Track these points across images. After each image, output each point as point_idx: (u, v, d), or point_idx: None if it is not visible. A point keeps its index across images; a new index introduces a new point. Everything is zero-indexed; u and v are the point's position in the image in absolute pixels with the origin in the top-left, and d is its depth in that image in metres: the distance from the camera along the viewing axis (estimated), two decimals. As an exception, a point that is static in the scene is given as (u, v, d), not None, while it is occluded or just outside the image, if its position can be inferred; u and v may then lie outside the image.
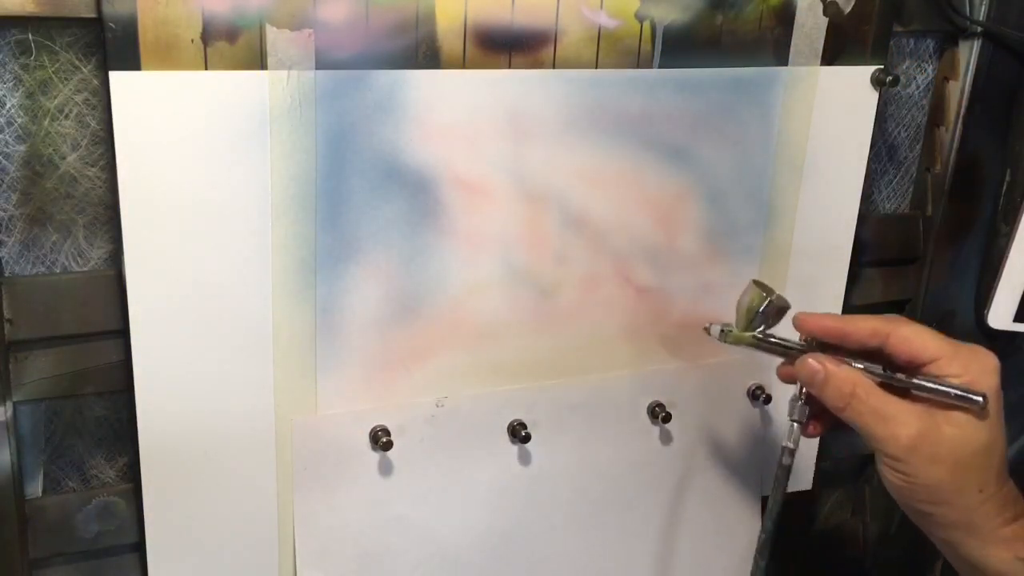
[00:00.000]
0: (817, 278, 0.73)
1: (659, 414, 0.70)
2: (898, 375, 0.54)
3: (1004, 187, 0.78)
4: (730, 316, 0.68)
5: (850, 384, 0.54)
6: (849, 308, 0.77)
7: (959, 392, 0.52)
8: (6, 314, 0.54)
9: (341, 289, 0.59)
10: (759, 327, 0.59)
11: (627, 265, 0.67)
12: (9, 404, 0.55)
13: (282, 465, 0.61)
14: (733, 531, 0.77)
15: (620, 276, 0.67)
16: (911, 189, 0.79)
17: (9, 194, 0.54)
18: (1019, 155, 0.77)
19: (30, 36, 0.51)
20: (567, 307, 0.66)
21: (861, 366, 0.55)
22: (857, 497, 0.88)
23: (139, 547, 0.60)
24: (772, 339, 0.59)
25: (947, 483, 0.52)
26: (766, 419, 0.75)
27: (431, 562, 0.67)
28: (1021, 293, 0.78)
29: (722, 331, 0.60)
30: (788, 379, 0.59)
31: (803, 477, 0.80)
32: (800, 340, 0.58)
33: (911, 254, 0.80)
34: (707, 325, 0.61)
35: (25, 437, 0.58)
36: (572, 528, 0.71)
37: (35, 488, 0.59)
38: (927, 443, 0.52)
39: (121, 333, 0.56)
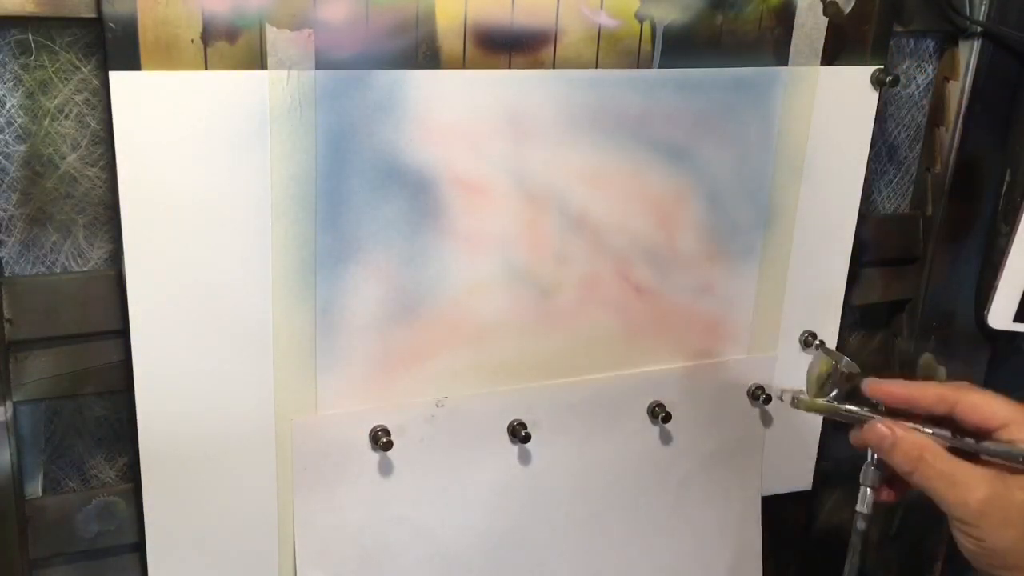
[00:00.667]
0: (817, 278, 0.73)
1: (659, 414, 0.70)
2: (967, 439, 0.55)
3: (1004, 187, 0.78)
4: (730, 316, 0.69)
5: (918, 449, 0.54)
6: (849, 308, 0.77)
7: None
8: (6, 314, 0.54)
9: (341, 289, 0.59)
10: (830, 393, 0.60)
11: (627, 265, 0.67)
12: (9, 404, 0.55)
13: (282, 465, 0.61)
14: (733, 531, 0.77)
15: (620, 276, 0.67)
16: (911, 189, 0.79)
17: (9, 194, 0.54)
18: (1019, 155, 0.77)
19: (30, 36, 0.51)
20: (567, 307, 0.66)
21: (930, 431, 0.55)
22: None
23: (139, 547, 0.60)
24: (843, 408, 0.60)
25: (1019, 545, 0.52)
26: (766, 419, 0.75)
27: (431, 562, 0.67)
28: (1021, 293, 0.78)
29: (794, 399, 0.62)
30: (860, 446, 0.60)
31: (803, 477, 0.80)
32: (866, 409, 0.59)
33: (911, 254, 0.80)
34: (779, 393, 0.64)
35: (25, 437, 0.58)
36: (572, 528, 0.71)
37: (35, 488, 0.59)
38: (997, 507, 0.52)
39: (121, 333, 0.56)
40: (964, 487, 0.53)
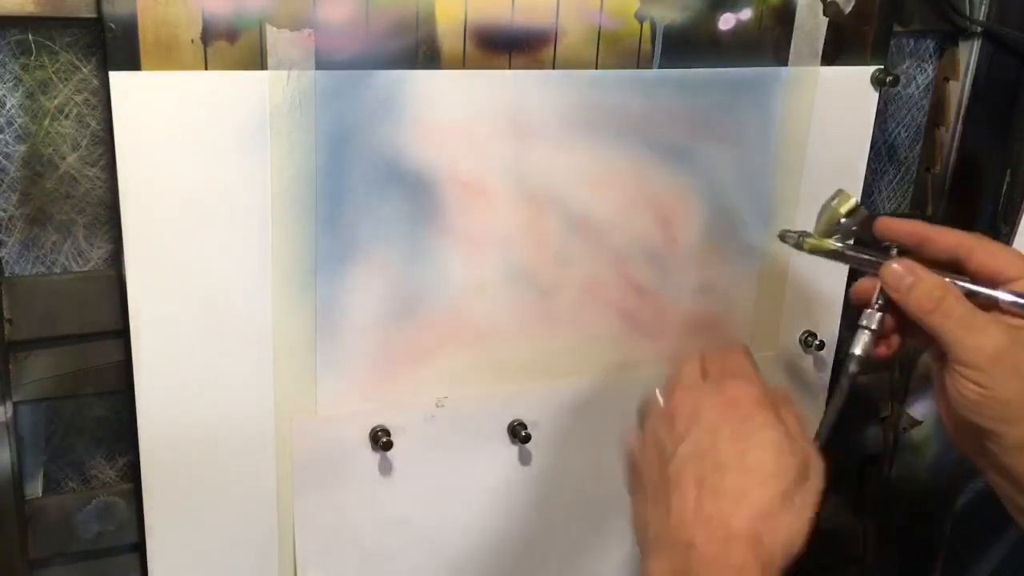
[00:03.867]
0: (817, 278, 0.73)
1: (659, 414, 0.70)
2: (986, 288, 0.53)
3: (1004, 187, 0.78)
4: (730, 316, 0.68)
5: (941, 288, 0.52)
6: (849, 308, 0.76)
7: None
8: (6, 314, 0.54)
9: (341, 289, 0.59)
10: (838, 236, 0.57)
11: (627, 265, 0.67)
12: (9, 404, 0.55)
13: (282, 465, 0.61)
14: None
15: (620, 276, 0.67)
16: (911, 189, 0.79)
17: (9, 194, 0.54)
18: (1019, 155, 0.77)
19: (30, 36, 0.51)
20: (567, 307, 0.66)
21: (947, 278, 0.53)
22: (857, 497, 0.88)
23: (139, 547, 0.60)
24: (854, 250, 0.57)
25: (1023, 398, 0.51)
26: (766, 419, 0.75)
27: (431, 562, 0.67)
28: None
29: (799, 238, 0.58)
30: (862, 297, 0.57)
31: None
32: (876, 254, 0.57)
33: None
34: (781, 232, 0.59)
35: (25, 437, 0.58)
36: (572, 528, 0.71)
37: (35, 488, 0.59)
38: (1011, 356, 0.51)
39: (121, 333, 0.56)
40: (983, 333, 0.51)
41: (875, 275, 0.55)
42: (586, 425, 0.69)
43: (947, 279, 0.53)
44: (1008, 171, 0.78)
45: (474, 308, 0.63)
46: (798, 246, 0.58)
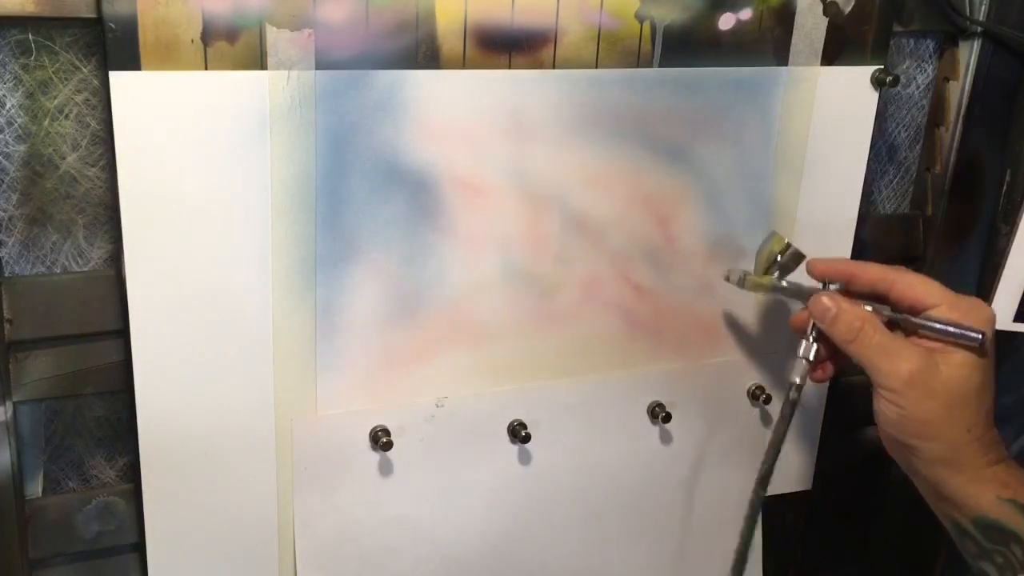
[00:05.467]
0: (817, 278, 0.73)
1: (659, 414, 0.70)
2: (903, 315, 0.59)
3: (1004, 187, 0.78)
4: (730, 316, 0.69)
5: (859, 320, 0.58)
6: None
7: (959, 330, 0.56)
8: (6, 314, 0.54)
9: (341, 289, 0.59)
10: (775, 273, 0.63)
11: (627, 265, 0.67)
12: (9, 404, 0.55)
13: (282, 465, 0.61)
14: (733, 531, 0.77)
15: (620, 276, 0.67)
16: (911, 189, 0.79)
17: (9, 194, 0.54)
18: (1019, 155, 0.77)
19: (30, 36, 0.51)
20: (567, 307, 0.66)
21: (870, 307, 0.59)
22: (857, 497, 0.88)
23: (139, 547, 0.60)
24: (788, 283, 0.63)
25: (939, 418, 0.56)
26: (766, 419, 0.75)
27: (431, 562, 0.67)
28: (1021, 293, 0.78)
29: (741, 277, 0.64)
30: (799, 327, 0.63)
31: (803, 477, 0.80)
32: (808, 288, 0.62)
33: (911, 254, 0.80)
34: (726, 273, 0.66)
35: (25, 437, 0.58)
36: (572, 528, 0.71)
37: (35, 488, 0.59)
38: (924, 378, 0.56)
39: (121, 333, 0.56)
40: (897, 357, 0.56)
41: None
42: (586, 425, 0.69)
43: (868, 308, 0.59)
44: (1008, 171, 0.78)
45: (474, 308, 0.63)
46: (740, 284, 0.65)
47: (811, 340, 0.60)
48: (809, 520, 0.84)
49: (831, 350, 0.61)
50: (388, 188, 0.58)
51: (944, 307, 0.58)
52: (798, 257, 0.63)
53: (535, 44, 0.59)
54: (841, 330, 0.58)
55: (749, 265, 0.67)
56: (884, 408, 0.57)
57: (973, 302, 0.59)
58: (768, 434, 0.76)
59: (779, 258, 0.63)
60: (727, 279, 0.66)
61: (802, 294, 0.62)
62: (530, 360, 0.66)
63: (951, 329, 0.57)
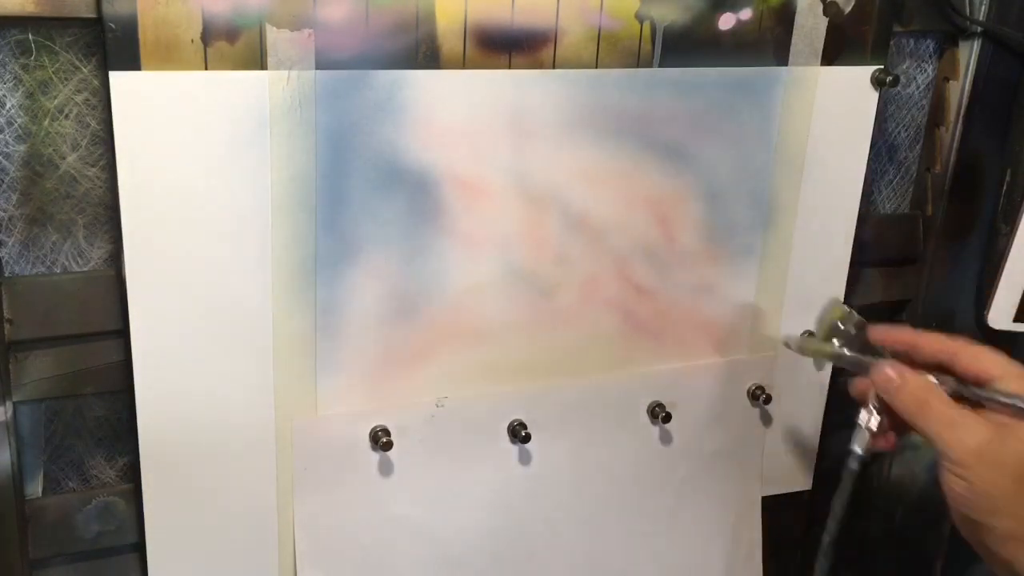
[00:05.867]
0: (817, 278, 0.73)
1: (659, 414, 0.70)
2: (970, 387, 0.56)
3: (1004, 187, 0.78)
4: (730, 316, 0.69)
5: (924, 391, 0.56)
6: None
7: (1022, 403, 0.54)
8: (6, 314, 0.54)
9: (341, 289, 0.59)
10: (837, 341, 0.62)
11: (627, 265, 0.67)
12: (9, 404, 0.55)
13: (282, 465, 0.61)
14: (733, 531, 0.77)
15: (620, 276, 0.67)
16: (911, 189, 0.79)
17: (9, 194, 0.54)
18: (1019, 155, 0.77)
19: (30, 36, 0.51)
20: (567, 307, 0.66)
21: (934, 379, 0.57)
22: (857, 497, 0.88)
23: (139, 547, 0.60)
24: (850, 354, 0.62)
25: (1009, 492, 0.53)
26: (766, 419, 0.75)
27: (431, 562, 0.67)
28: (1021, 293, 0.78)
29: (801, 343, 0.64)
30: (860, 394, 0.61)
31: (803, 477, 0.80)
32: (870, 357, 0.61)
33: (911, 254, 0.80)
34: (784, 339, 0.66)
35: (25, 437, 0.58)
36: (572, 528, 0.71)
37: (35, 488, 0.59)
38: (992, 451, 0.53)
39: (121, 333, 0.56)
40: (964, 429, 0.54)
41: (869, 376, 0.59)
42: (586, 425, 0.69)
43: (933, 380, 0.57)
44: (1008, 171, 0.78)
45: (474, 308, 0.63)
46: (800, 351, 0.65)
47: (873, 410, 0.59)
48: (809, 520, 0.84)
49: (893, 420, 0.59)
50: (388, 188, 0.58)
51: (1009, 378, 0.55)
52: (861, 324, 0.62)
53: (535, 44, 0.59)
54: (906, 401, 0.56)
55: (744, 264, 0.67)
56: (952, 483, 0.54)
57: None
58: (768, 434, 0.76)
59: (840, 325, 0.62)
60: (787, 345, 0.66)
61: (863, 364, 0.60)
62: (530, 360, 0.66)
63: (1019, 403, 0.54)
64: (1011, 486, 0.53)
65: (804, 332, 0.70)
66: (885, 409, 0.58)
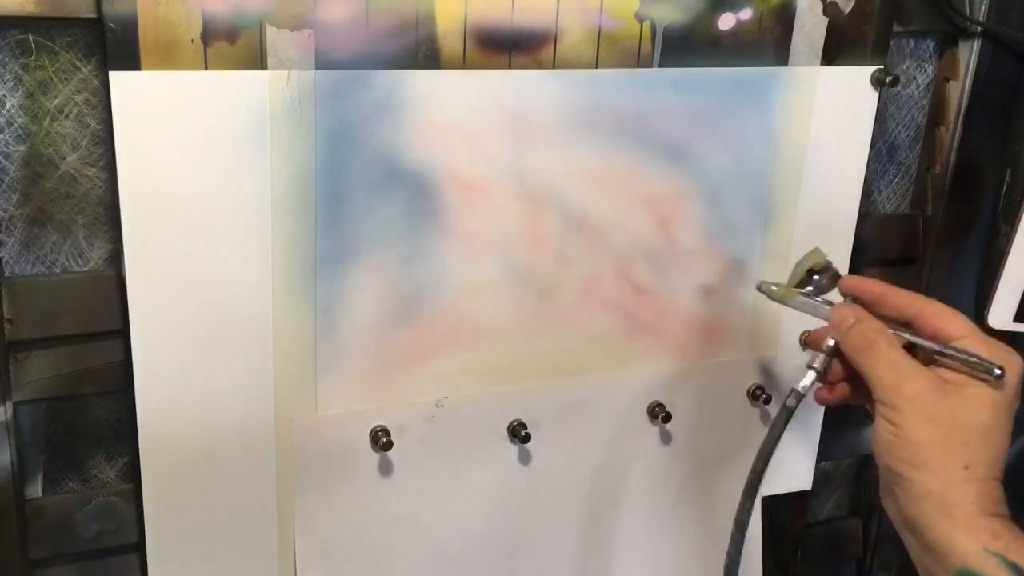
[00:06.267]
0: (817, 278, 0.73)
1: (659, 414, 0.70)
2: (924, 341, 0.55)
3: (1004, 187, 0.78)
4: (730, 316, 0.68)
5: (875, 331, 0.55)
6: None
7: (977, 359, 0.53)
8: (6, 314, 0.54)
9: (341, 289, 0.59)
10: (808, 288, 0.61)
11: (627, 265, 0.67)
12: (9, 404, 0.55)
13: (282, 465, 0.61)
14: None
15: (620, 276, 0.67)
16: (911, 189, 0.79)
17: (9, 194, 0.54)
18: (1019, 155, 0.77)
19: (30, 36, 0.51)
20: (567, 307, 0.66)
21: (892, 330, 0.56)
22: (857, 497, 0.88)
23: (139, 547, 0.60)
24: (816, 300, 0.61)
25: (936, 445, 0.52)
26: (766, 419, 0.75)
27: (431, 562, 0.67)
28: (1021, 293, 0.78)
29: (772, 288, 0.63)
30: (815, 344, 0.60)
31: (803, 477, 0.80)
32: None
33: (911, 254, 0.80)
34: (758, 283, 0.64)
35: (25, 437, 0.58)
36: (572, 528, 0.71)
37: (35, 488, 0.59)
38: (929, 400, 0.52)
39: (121, 333, 0.56)
40: (905, 374, 0.53)
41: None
42: (586, 425, 0.69)
43: (889, 328, 0.56)
44: (1008, 171, 0.78)
45: (474, 308, 0.63)
46: (769, 295, 0.63)
47: (826, 351, 0.58)
48: (809, 520, 0.84)
49: (849, 372, 0.58)
50: (388, 188, 0.58)
51: (969, 340, 0.54)
52: (834, 277, 0.61)
53: (535, 44, 0.59)
54: (854, 339, 0.55)
55: (745, 264, 0.67)
56: (881, 427, 0.53)
57: (1002, 345, 0.54)
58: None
59: (815, 275, 0.61)
60: (759, 289, 0.64)
61: (825, 312, 0.60)
62: (530, 360, 0.66)
63: (969, 358, 0.53)
64: (940, 440, 0.52)
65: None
66: (841, 357, 0.57)
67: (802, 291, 0.61)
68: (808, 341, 0.62)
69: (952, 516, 0.51)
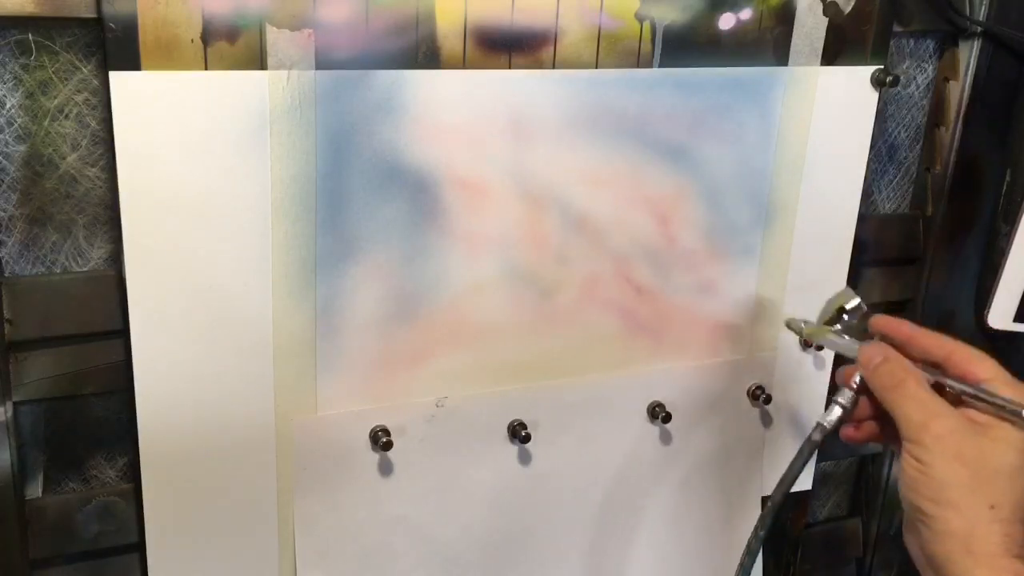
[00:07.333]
0: (817, 278, 0.73)
1: (659, 414, 0.70)
2: (952, 381, 0.55)
3: (1004, 187, 0.78)
4: (730, 316, 0.68)
5: (903, 371, 0.55)
6: (849, 308, 0.77)
7: (1005, 402, 0.53)
8: (6, 314, 0.54)
9: (341, 289, 0.59)
10: (837, 326, 0.61)
11: (627, 265, 0.67)
12: (9, 404, 0.55)
13: (282, 465, 0.61)
14: (733, 531, 0.77)
15: (620, 276, 0.67)
16: (911, 189, 0.79)
17: (9, 194, 0.54)
18: (1019, 155, 0.77)
19: (30, 36, 0.51)
20: (567, 307, 0.66)
21: (920, 368, 0.56)
22: (857, 497, 0.88)
23: (139, 547, 0.60)
24: (845, 338, 0.61)
25: (962, 484, 0.51)
26: (766, 419, 0.75)
27: (431, 562, 0.67)
28: (1021, 293, 0.78)
29: (803, 324, 0.64)
30: (845, 378, 0.59)
31: (803, 477, 0.79)
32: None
33: (911, 254, 0.80)
34: (787, 319, 0.65)
35: (25, 437, 0.58)
36: (572, 528, 0.71)
37: (35, 488, 0.59)
38: (956, 439, 0.52)
39: (121, 333, 0.56)
40: (933, 413, 0.53)
41: None
42: (586, 425, 0.69)
43: (919, 368, 0.55)
44: (1008, 171, 0.78)
45: (474, 308, 0.63)
46: (799, 332, 0.64)
47: (853, 389, 0.57)
48: (809, 520, 0.84)
49: (877, 411, 0.57)
50: (388, 188, 0.58)
51: (998, 382, 0.54)
52: (865, 315, 0.61)
53: (535, 44, 0.59)
54: (882, 377, 0.55)
55: (744, 264, 0.67)
56: (908, 464, 0.53)
57: None
58: (768, 434, 0.76)
59: (845, 314, 0.61)
60: (788, 326, 0.65)
61: (855, 350, 0.59)
62: (530, 360, 0.66)
63: (997, 400, 0.53)
64: (966, 479, 0.51)
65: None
66: (869, 395, 0.57)
67: (832, 329, 0.61)
68: (839, 377, 0.61)
69: (975, 555, 0.51)
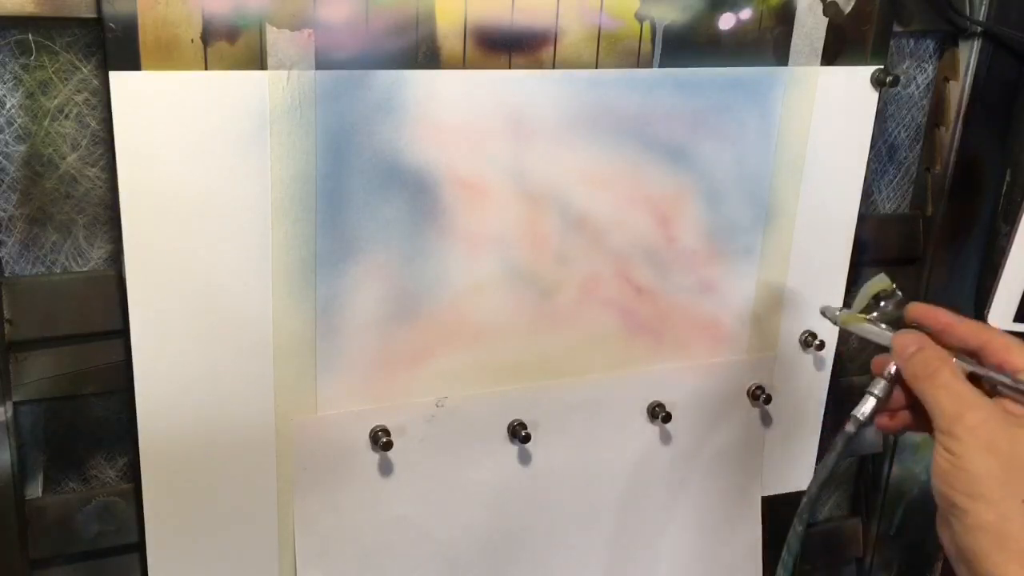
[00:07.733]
0: (817, 278, 0.73)
1: (659, 414, 0.70)
2: (988, 370, 0.54)
3: (1004, 187, 0.78)
4: (730, 316, 0.68)
5: (938, 360, 0.54)
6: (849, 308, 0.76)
7: None
8: (6, 314, 0.54)
9: (341, 289, 0.59)
10: (873, 313, 0.60)
11: (627, 265, 0.67)
12: (9, 404, 0.55)
13: (282, 465, 0.61)
14: (733, 531, 0.77)
15: (620, 276, 0.67)
16: (911, 189, 0.79)
17: (9, 194, 0.54)
18: (1019, 155, 0.77)
19: (30, 36, 0.51)
20: (567, 307, 0.66)
21: (955, 358, 0.55)
22: (857, 497, 0.88)
23: (139, 547, 0.60)
24: (880, 325, 0.60)
25: (994, 477, 0.51)
26: (766, 419, 0.75)
27: (431, 562, 0.67)
28: (1021, 293, 0.78)
29: (837, 312, 0.62)
30: (879, 368, 0.58)
31: (803, 477, 0.80)
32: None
33: (911, 254, 0.80)
34: (823, 307, 0.63)
35: (25, 437, 0.58)
36: (572, 528, 0.71)
37: (35, 488, 0.59)
38: (990, 431, 0.51)
39: (121, 333, 0.56)
40: (967, 403, 0.52)
41: None
42: (586, 425, 0.69)
43: (954, 357, 0.54)
44: (1008, 171, 0.78)
45: (474, 308, 0.63)
46: (834, 320, 0.62)
47: (886, 377, 0.56)
48: (809, 520, 0.84)
49: (911, 400, 0.56)
50: (388, 188, 0.58)
51: None
52: (900, 303, 0.60)
53: (535, 44, 0.59)
54: (916, 366, 0.54)
55: (744, 264, 0.66)
56: (940, 456, 0.52)
57: None
58: (768, 434, 0.76)
59: (881, 301, 0.60)
60: (823, 313, 0.63)
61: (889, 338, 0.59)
62: (530, 360, 0.66)
63: None
64: (999, 472, 0.51)
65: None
66: (902, 384, 0.56)
67: (867, 317, 0.60)
68: (874, 366, 0.60)
69: (1008, 549, 0.50)
